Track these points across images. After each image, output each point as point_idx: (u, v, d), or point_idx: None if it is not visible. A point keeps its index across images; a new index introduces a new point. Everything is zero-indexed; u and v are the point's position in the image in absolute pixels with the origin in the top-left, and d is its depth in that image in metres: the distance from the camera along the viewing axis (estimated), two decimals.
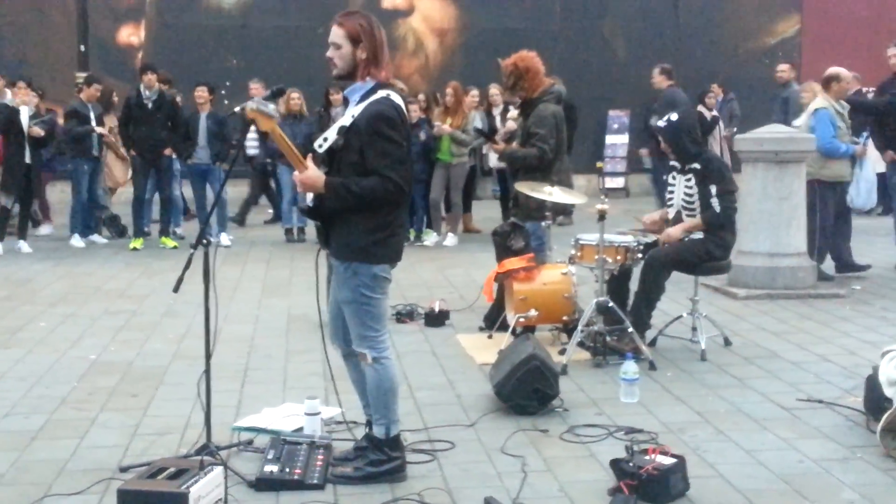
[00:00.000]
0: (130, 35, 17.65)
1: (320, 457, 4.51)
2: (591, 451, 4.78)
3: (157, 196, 11.98)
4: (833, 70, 9.25)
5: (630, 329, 6.31)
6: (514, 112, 11.40)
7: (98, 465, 4.57)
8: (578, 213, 12.80)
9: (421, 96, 12.32)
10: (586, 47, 18.15)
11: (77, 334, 7.25)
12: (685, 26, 18.73)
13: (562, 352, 6.33)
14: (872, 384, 5.08)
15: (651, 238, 6.80)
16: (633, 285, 6.82)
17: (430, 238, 11.79)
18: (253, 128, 12.30)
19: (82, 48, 15.66)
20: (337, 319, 4.49)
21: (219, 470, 4.11)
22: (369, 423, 4.55)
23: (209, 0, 17.84)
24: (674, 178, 6.88)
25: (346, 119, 4.27)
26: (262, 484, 4.29)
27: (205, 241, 4.53)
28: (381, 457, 4.41)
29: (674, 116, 6.82)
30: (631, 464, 4.23)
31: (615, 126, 18.01)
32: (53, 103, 13.55)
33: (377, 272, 4.27)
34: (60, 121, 12.28)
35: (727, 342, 6.82)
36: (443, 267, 10.12)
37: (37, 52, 16.92)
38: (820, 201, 9.01)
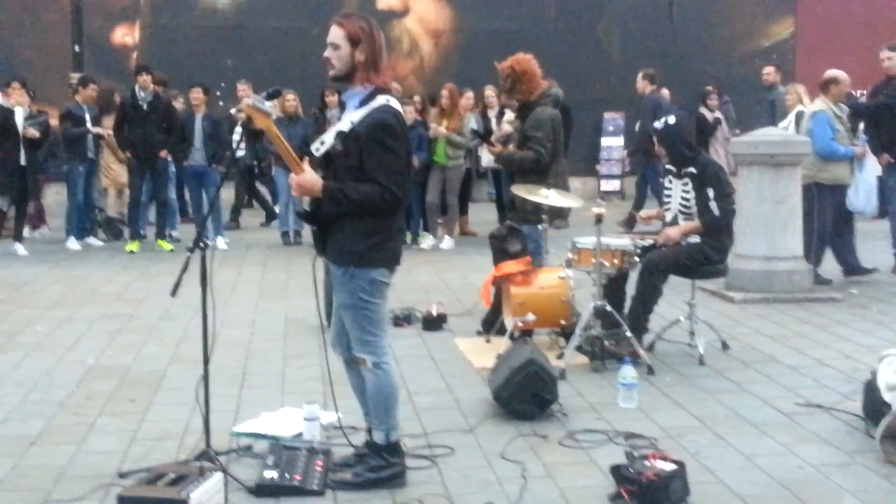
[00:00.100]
0: (125, 35, 17.63)
1: (320, 462, 4.51)
2: (590, 457, 4.78)
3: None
4: (831, 73, 9.27)
5: (628, 333, 6.31)
6: (510, 115, 11.42)
7: (97, 471, 4.56)
8: (575, 217, 12.87)
9: (416, 98, 12.32)
10: (581, 49, 18.16)
11: (74, 338, 7.23)
12: (680, 29, 18.75)
13: (560, 356, 6.33)
14: (871, 389, 5.09)
15: (648, 241, 6.80)
16: (630, 288, 6.82)
17: (426, 241, 11.78)
18: (238, 129, 12.26)
19: (77, 48, 15.59)
20: (340, 326, 4.48)
21: (218, 476, 4.11)
22: (370, 430, 4.54)
23: (204, 1, 17.82)
24: (670, 181, 6.88)
25: (344, 124, 4.25)
26: (262, 490, 4.29)
27: (202, 245, 4.52)
28: (380, 463, 4.40)
29: (671, 120, 6.83)
30: (631, 469, 4.23)
31: (610, 128, 18.01)
32: (48, 104, 13.50)
33: (375, 276, 4.26)
34: (53, 121, 12.23)
35: (725, 346, 6.83)
36: (440, 270, 10.12)
37: (31, 53, 16.88)
38: (818, 205, 9.03)
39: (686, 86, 17.71)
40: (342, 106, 4.58)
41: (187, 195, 12.73)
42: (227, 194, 14.10)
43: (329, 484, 4.38)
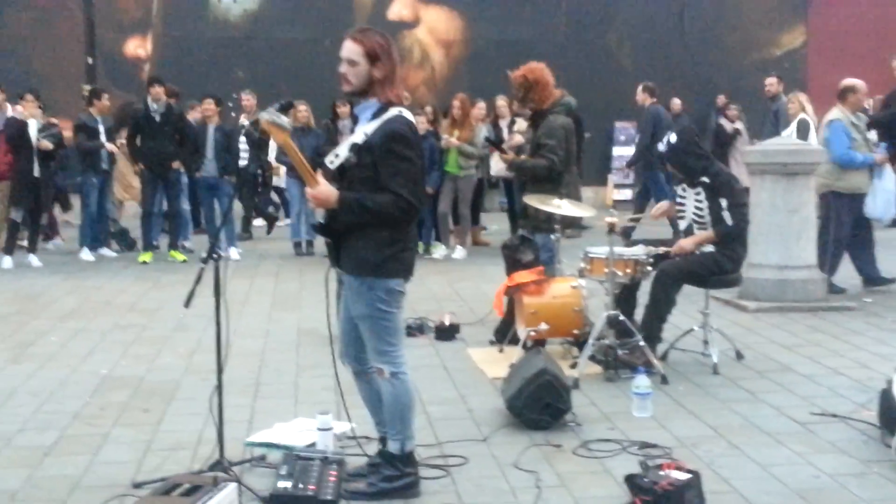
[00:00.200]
0: (137, 47, 17.73)
1: (333, 472, 4.49)
2: (604, 467, 4.77)
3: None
4: (848, 81, 9.25)
5: (641, 343, 6.29)
6: (521, 125, 11.43)
7: (112, 482, 4.56)
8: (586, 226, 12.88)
9: (428, 108, 12.33)
10: (592, 59, 18.17)
11: (88, 349, 7.25)
12: (691, 38, 18.76)
13: (573, 366, 6.32)
14: (886, 398, 5.06)
15: (661, 250, 6.78)
16: (641, 297, 6.80)
17: (438, 251, 11.78)
18: (243, 138, 12.31)
19: (89, 61, 15.69)
20: (348, 336, 4.48)
21: (233, 486, 4.11)
22: (383, 440, 4.54)
23: (216, 12, 17.91)
24: (684, 190, 6.86)
25: (358, 136, 4.26)
26: (276, 500, 4.27)
27: (215, 256, 4.53)
28: (394, 472, 4.40)
29: (673, 138, 6.81)
30: (646, 479, 4.21)
31: (622, 138, 18.02)
32: (61, 116, 13.57)
33: (392, 286, 4.27)
34: (66, 132, 12.27)
35: (739, 356, 6.80)
36: (452, 280, 10.12)
37: (44, 65, 16.99)
38: (835, 214, 9.00)
39: (697, 95, 17.73)
40: (355, 118, 4.59)
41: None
42: (239, 205, 14.14)
43: (343, 494, 4.37)
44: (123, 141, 11.99)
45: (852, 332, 7.63)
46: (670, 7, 18.83)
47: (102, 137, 11.68)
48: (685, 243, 6.68)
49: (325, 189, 4.23)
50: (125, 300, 9.21)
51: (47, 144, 11.09)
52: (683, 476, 4.20)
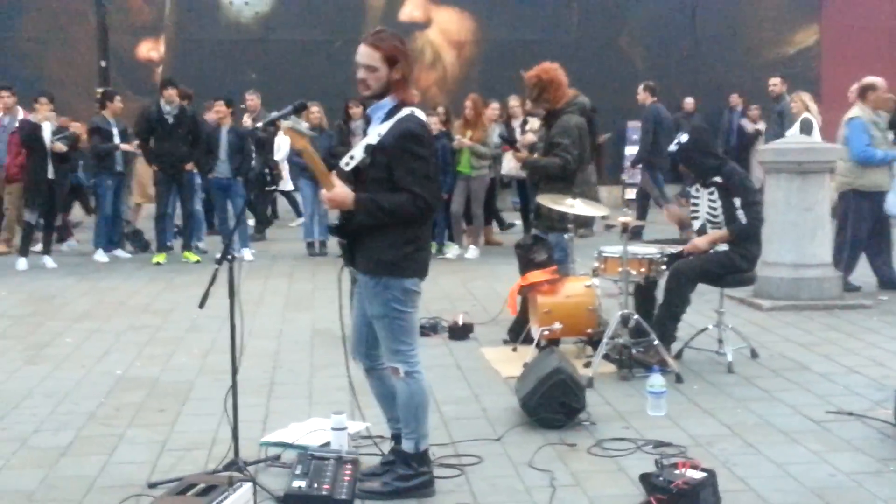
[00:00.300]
0: (150, 50, 17.79)
1: (348, 472, 4.49)
2: (619, 465, 4.76)
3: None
4: (869, 79, 9.22)
5: (656, 341, 6.28)
6: (534, 124, 11.42)
7: (127, 482, 4.58)
8: (600, 225, 12.89)
9: (440, 109, 12.33)
10: (604, 59, 18.12)
11: (103, 350, 7.28)
12: (703, 37, 18.70)
13: (587, 365, 6.31)
14: None
15: (676, 249, 6.77)
16: (658, 297, 6.79)
17: (451, 251, 11.79)
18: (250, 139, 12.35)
19: (103, 64, 15.75)
20: (359, 334, 4.49)
21: (248, 486, 4.12)
22: (395, 438, 4.54)
23: (228, 15, 17.96)
24: (697, 190, 6.84)
25: (372, 137, 4.27)
26: (291, 499, 4.28)
27: (230, 257, 4.54)
28: (409, 471, 4.40)
29: (683, 138, 6.80)
30: (661, 478, 4.20)
31: (634, 137, 17.93)
32: (75, 119, 13.62)
33: (408, 286, 4.28)
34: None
35: (754, 354, 6.78)
36: (465, 280, 10.12)
37: (58, 69, 17.07)
38: (854, 212, 8.96)
39: (709, 95, 17.67)
40: (367, 119, 4.60)
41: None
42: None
43: (358, 493, 4.37)
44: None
45: (868, 331, 7.60)
46: (682, 6, 18.78)
47: (116, 139, 11.72)
48: (699, 242, 6.66)
49: (341, 191, 4.24)
50: (139, 301, 9.24)
51: (61, 147, 11.13)
52: (699, 475, 4.19)
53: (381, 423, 4.80)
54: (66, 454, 5.02)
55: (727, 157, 6.99)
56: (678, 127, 13.62)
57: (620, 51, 18.57)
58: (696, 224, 6.84)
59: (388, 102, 4.28)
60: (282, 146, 13.57)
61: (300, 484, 4.34)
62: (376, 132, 4.26)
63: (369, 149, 4.23)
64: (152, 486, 4.51)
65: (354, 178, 4.32)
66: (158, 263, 11.40)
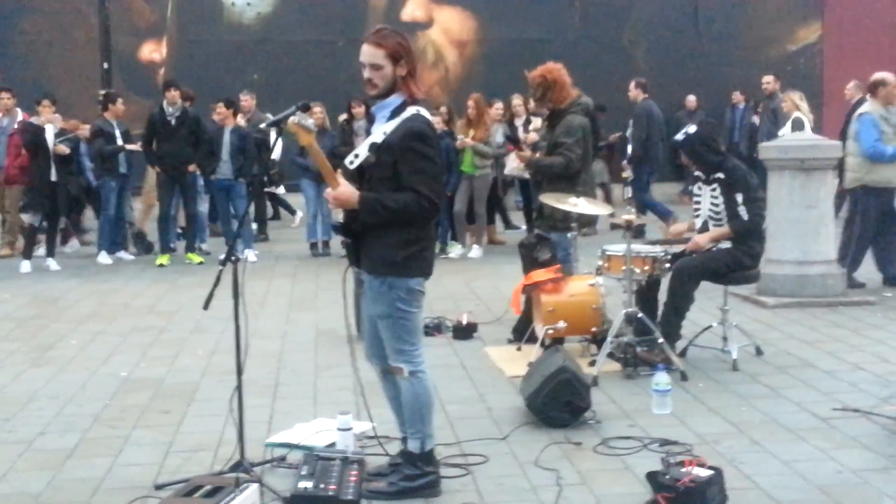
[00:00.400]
0: (152, 52, 17.81)
1: (354, 472, 4.49)
2: (625, 464, 4.76)
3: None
4: (879, 75, 9.21)
5: (660, 340, 6.28)
6: (536, 124, 11.42)
7: (133, 484, 4.58)
8: (605, 223, 12.88)
9: (443, 109, 12.33)
10: (606, 57, 18.12)
11: (107, 352, 7.28)
12: (705, 34, 18.70)
13: (592, 363, 6.31)
14: None
15: (679, 248, 6.76)
16: (662, 296, 6.78)
17: (454, 250, 11.78)
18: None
19: (105, 66, 15.76)
20: (373, 336, 4.48)
21: (254, 487, 4.12)
22: (405, 439, 4.53)
23: (230, 16, 17.98)
24: (699, 188, 6.84)
25: (377, 136, 4.26)
26: (297, 500, 4.28)
27: (234, 258, 4.54)
28: (415, 471, 4.40)
29: (691, 129, 6.80)
30: (667, 476, 4.20)
31: None
32: (84, 123, 13.62)
33: (412, 286, 4.28)
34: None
35: (759, 351, 6.77)
36: (469, 279, 10.11)
37: (60, 71, 17.09)
38: (862, 208, 8.95)
39: (712, 91, 17.67)
40: (370, 118, 4.61)
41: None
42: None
43: (364, 493, 4.37)
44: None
45: (872, 327, 7.59)
46: (684, 4, 18.77)
47: (119, 142, 11.73)
48: (700, 239, 6.66)
49: (346, 190, 4.24)
50: (143, 303, 9.24)
51: (64, 149, 11.13)
52: (705, 473, 4.19)
53: (387, 423, 4.80)
54: (71, 456, 5.02)
55: (730, 154, 6.99)
56: (680, 125, 13.62)
57: (623, 49, 18.56)
58: (698, 221, 6.84)
59: (393, 100, 4.28)
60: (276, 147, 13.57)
61: (306, 484, 4.34)
62: (381, 130, 4.25)
63: (374, 147, 4.23)
64: (159, 487, 4.51)
65: (359, 176, 4.32)
66: (162, 265, 11.40)
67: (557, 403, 5.25)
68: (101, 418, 5.65)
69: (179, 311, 8.74)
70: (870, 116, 8.96)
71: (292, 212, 14.98)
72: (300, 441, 5.00)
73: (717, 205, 6.66)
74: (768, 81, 14.54)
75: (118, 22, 16.69)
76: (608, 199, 13.92)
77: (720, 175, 6.62)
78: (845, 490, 4.38)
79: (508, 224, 13.84)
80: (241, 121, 13.25)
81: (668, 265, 6.56)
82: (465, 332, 7.51)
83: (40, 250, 11.52)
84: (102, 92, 13.72)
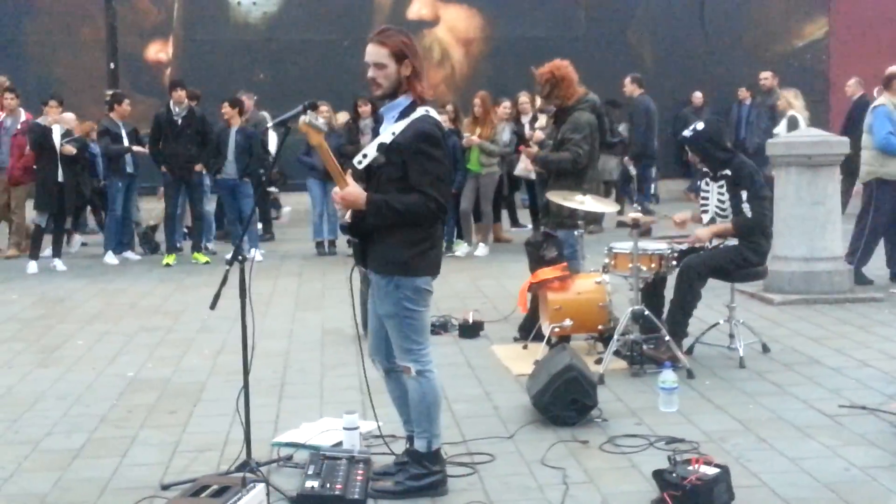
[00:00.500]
0: (159, 52, 17.81)
1: (360, 471, 4.49)
2: (632, 462, 4.75)
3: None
4: (894, 68, 9.20)
5: (667, 337, 6.27)
6: (542, 121, 11.39)
7: (140, 483, 4.59)
8: (611, 221, 12.88)
9: (449, 107, 12.32)
10: (611, 55, 18.06)
11: (114, 352, 7.29)
12: (711, 31, 18.64)
13: (598, 361, 6.30)
14: None
15: (685, 246, 6.75)
16: (668, 293, 6.77)
17: (461, 249, 11.78)
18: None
19: (111, 66, 15.76)
20: (377, 335, 4.48)
21: (261, 486, 4.12)
22: (410, 440, 4.53)
23: (236, 15, 17.97)
24: (707, 184, 6.83)
25: (385, 136, 4.26)
26: (304, 499, 4.29)
27: (240, 258, 4.54)
28: (421, 471, 4.40)
29: (699, 126, 6.79)
30: (674, 474, 4.19)
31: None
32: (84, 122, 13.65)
33: (420, 285, 4.27)
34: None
35: (765, 349, 6.76)
36: (475, 277, 10.11)
37: (66, 71, 17.10)
38: (875, 201, 8.92)
39: (718, 88, 17.63)
40: (377, 118, 4.60)
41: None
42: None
43: (370, 493, 4.38)
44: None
45: (879, 324, 7.57)
46: (690, 1, 18.72)
47: (125, 142, 11.75)
48: (701, 233, 6.65)
49: (354, 190, 4.23)
50: (150, 303, 9.26)
51: (70, 150, 11.15)
52: (712, 471, 4.18)
53: (393, 422, 4.80)
54: (78, 456, 5.03)
55: (737, 151, 6.97)
56: (687, 121, 13.60)
57: (628, 46, 18.52)
58: (706, 217, 6.82)
59: (402, 101, 4.27)
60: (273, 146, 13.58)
61: (313, 484, 4.35)
62: (390, 131, 4.25)
63: (382, 147, 4.22)
64: (165, 487, 4.52)
65: (367, 176, 4.32)
66: (168, 265, 11.41)
67: (564, 402, 5.25)
68: (108, 418, 5.66)
69: (186, 310, 8.75)
70: (884, 108, 8.95)
71: (277, 207, 15.09)
72: (306, 440, 5.00)
73: (723, 201, 6.65)
74: (766, 77, 14.50)
75: (125, 22, 16.66)
76: (619, 197, 13.87)
77: (727, 172, 6.61)
78: (853, 487, 4.37)
79: (516, 221, 13.84)
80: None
81: (674, 263, 6.55)
82: (471, 330, 7.51)
83: (46, 251, 11.54)
84: (109, 92, 13.74)
